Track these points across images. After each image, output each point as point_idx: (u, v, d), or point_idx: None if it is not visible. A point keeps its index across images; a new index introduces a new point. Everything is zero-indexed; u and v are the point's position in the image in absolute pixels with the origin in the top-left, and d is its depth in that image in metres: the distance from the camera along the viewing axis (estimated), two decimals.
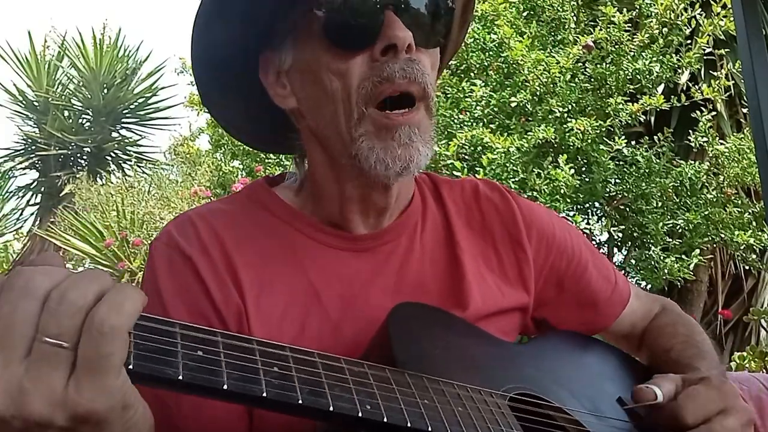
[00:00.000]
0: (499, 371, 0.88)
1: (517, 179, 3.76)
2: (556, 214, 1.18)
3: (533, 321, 1.09)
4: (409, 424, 0.66)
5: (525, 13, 4.53)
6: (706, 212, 4.21)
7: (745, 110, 5.02)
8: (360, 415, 0.63)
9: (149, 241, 5.37)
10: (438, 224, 1.02)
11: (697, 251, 4.07)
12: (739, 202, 4.46)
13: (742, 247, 4.24)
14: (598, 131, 3.99)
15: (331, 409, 0.62)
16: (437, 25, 0.88)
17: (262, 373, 0.59)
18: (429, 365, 0.77)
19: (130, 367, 0.52)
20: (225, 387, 0.56)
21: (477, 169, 3.84)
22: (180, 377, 0.54)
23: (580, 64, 4.26)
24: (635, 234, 4.37)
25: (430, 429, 0.67)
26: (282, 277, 0.88)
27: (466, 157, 3.98)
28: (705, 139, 4.29)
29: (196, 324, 0.61)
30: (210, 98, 0.97)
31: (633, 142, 4.41)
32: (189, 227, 0.89)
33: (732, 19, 3.88)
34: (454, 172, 3.69)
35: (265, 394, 0.58)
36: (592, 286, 1.09)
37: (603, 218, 4.33)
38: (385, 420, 0.65)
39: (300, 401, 0.60)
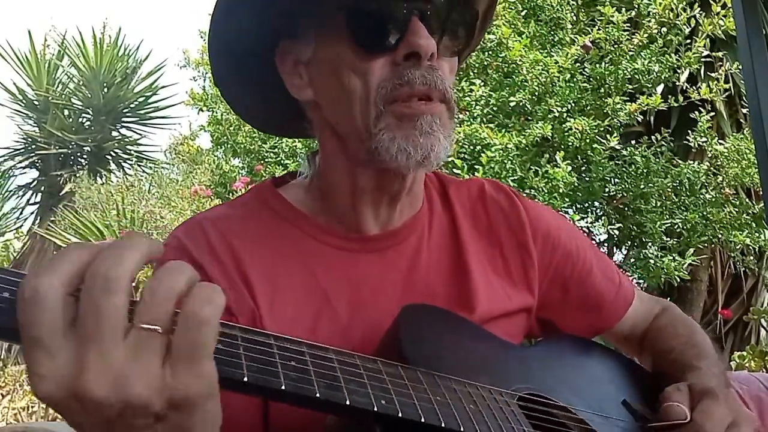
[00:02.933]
0: (506, 372, 0.89)
1: (515, 177, 3.76)
2: (562, 216, 1.18)
3: (538, 322, 1.09)
4: (423, 419, 0.67)
5: (524, 13, 4.53)
6: (705, 212, 4.22)
7: (744, 110, 5.01)
8: (375, 409, 0.64)
9: None
10: (445, 226, 1.02)
11: (692, 251, 4.07)
12: (738, 202, 4.46)
13: (738, 248, 4.24)
14: (596, 131, 3.99)
15: (348, 403, 0.63)
16: (461, 33, 0.90)
17: (279, 366, 0.60)
18: (438, 365, 0.77)
19: None
20: (245, 379, 0.57)
21: (477, 167, 3.84)
22: None
23: (578, 63, 4.26)
24: (633, 233, 4.37)
25: (443, 425, 0.68)
26: (292, 282, 0.89)
27: (466, 156, 3.99)
28: (704, 139, 4.29)
29: None
30: (224, 79, 0.98)
31: (633, 142, 4.41)
32: (198, 233, 0.90)
33: (732, 18, 3.88)
34: (455, 170, 3.70)
35: (283, 387, 0.59)
36: (597, 287, 1.10)
37: (602, 217, 4.33)
38: (400, 415, 0.65)
39: (317, 395, 0.61)
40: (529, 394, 0.85)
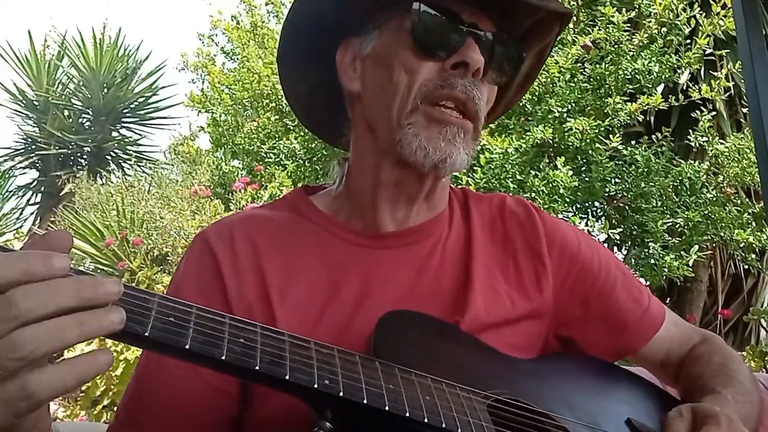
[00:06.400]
0: (484, 376, 0.86)
1: (515, 180, 3.76)
2: (584, 233, 1.16)
3: (559, 341, 1.07)
4: (365, 401, 0.67)
5: None
6: (706, 211, 4.22)
7: (745, 110, 5.01)
8: (315, 386, 0.65)
9: (149, 241, 5.41)
10: (461, 235, 1.05)
11: (696, 247, 4.07)
12: (739, 201, 4.46)
13: (741, 246, 4.24)
14: (596, 131, 3.99)
15: (287, 377, 0.64)
16: (505, 66, 0.97)
17: (226, 341, 0.64)
18: (406, 361, 0.77)
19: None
20: (187, 347, 0.61)
21: (475, 169, 3.84)
22: (146, 334, 0.60)
23: (579, 64, 4.26)
24: (635, 233, 4.37)
25: (387, 408, 0.68)
26: (307, 272, 0.95)
27: None
28: (705, 138, 4.29)
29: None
30: (285, 59, 1.05)
31: (633, 142, 4.41)
32: (225, 229, 0.99)
33: (732, 18, 3.88)
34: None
35: (223, 358, 0.62)
36: (620, 306, 1.07)
37: (602, 218, 4.33)
38: (341, 394, 0.66)
39: (257, 367, 0.64)
40: (507, 398, 0.83)
